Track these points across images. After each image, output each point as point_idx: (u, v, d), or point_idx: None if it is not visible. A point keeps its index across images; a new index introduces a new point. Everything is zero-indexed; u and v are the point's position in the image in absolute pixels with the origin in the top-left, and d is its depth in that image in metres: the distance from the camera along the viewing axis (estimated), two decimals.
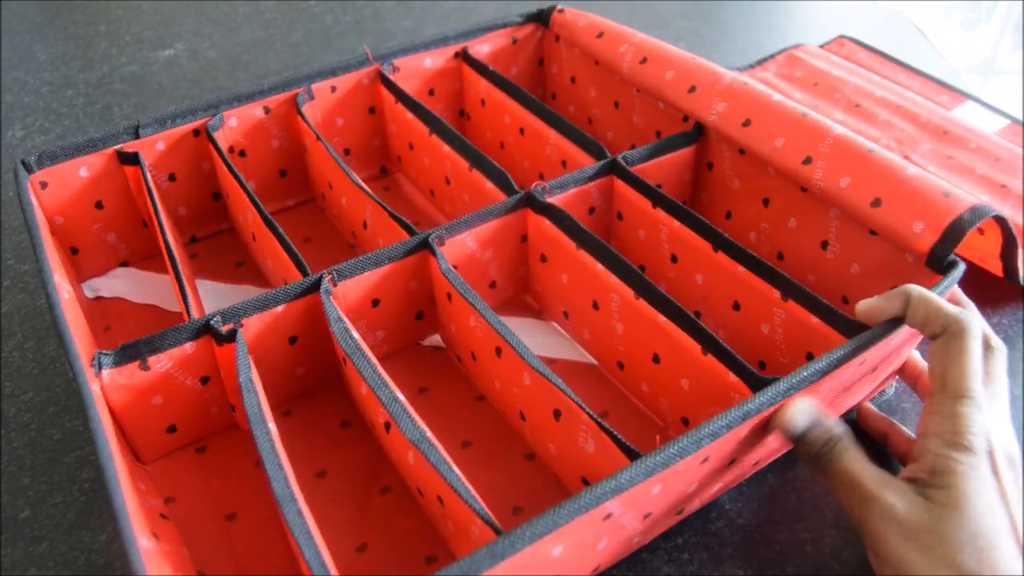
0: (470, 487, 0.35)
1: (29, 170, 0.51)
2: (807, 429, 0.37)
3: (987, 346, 0.39)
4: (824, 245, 0.49)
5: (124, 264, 0.58)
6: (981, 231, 0.49)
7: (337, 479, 0.45)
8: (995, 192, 0.59)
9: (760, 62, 0.77)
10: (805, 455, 0.37)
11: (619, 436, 0.36)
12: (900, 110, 0.68)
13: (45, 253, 0.44)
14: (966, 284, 0.43)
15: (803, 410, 0.36)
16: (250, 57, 0.87)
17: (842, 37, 0.82)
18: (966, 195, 0.43)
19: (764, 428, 0.37)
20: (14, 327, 0.54)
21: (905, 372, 0.46)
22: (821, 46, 0.81)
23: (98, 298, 0.55)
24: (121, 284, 0.56)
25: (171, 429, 0.44)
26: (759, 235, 0.53)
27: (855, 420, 0.47)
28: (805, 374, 0.35)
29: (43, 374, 0.51)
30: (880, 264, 0.46)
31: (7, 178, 0.68)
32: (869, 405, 0.47)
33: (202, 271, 0.57)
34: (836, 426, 0.37)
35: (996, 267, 0.51)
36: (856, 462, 0.36)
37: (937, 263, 0.42)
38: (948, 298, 0.41)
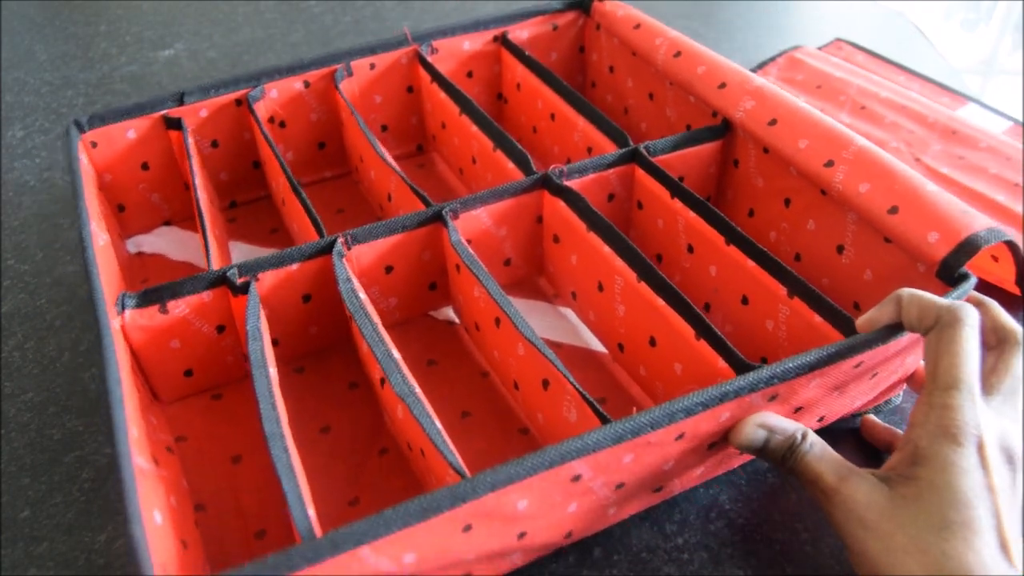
0: (448, 440, 0.36)
1: (81, 129, 0.54)
2: (767, 440, 0.37)
3: (1006, 340, 0.38)
4: (840, 249, 0.48)
5: (167, 223, 0.61)
6: (995, 258, 0.48)
7: (339, 436, 0.46)
8: (1010, 191, 0.58)
9: (761, 66, 0.76)
10: (772, 462, 0.38)
11: (597, 405, 0.37)
12: (906, 111, 0.67)
13: (84, 202, 0.47)
14: None
15: (756, 425, 0.37)
16: (250, 57, 0.88)
17: (839, 40, 0.81)
18: (985, 217, 0.43)
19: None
20: (14, 327, 0.54)
21: (915, 381, 0.45)
22: (818, 49, 0.80)
23: (139, 253, 0.59)
24: (162, 242, 0.60)
25: (188, 373, 0.47)
26: (779, 235, 0.53)
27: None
28: (791, 365, 0.36)
29: (43, 374, 0.51)
30: (892, 272, 0.45)
31: (7, 178, 0.69)
32: (872, 416, 0.46)
33: (237, 234, 0.60)
34: (797, 429, 0.37)
35: (1015, 290, 0.50)
36: (818, 459, 0.36)
37: (948, 274, 0.41)
38: (967, 299, 0.40)
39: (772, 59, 0.77)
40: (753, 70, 0.77)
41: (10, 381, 0.50)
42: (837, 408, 0.43)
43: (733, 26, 0.92)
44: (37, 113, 0.78)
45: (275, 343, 0.49)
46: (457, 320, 0.53)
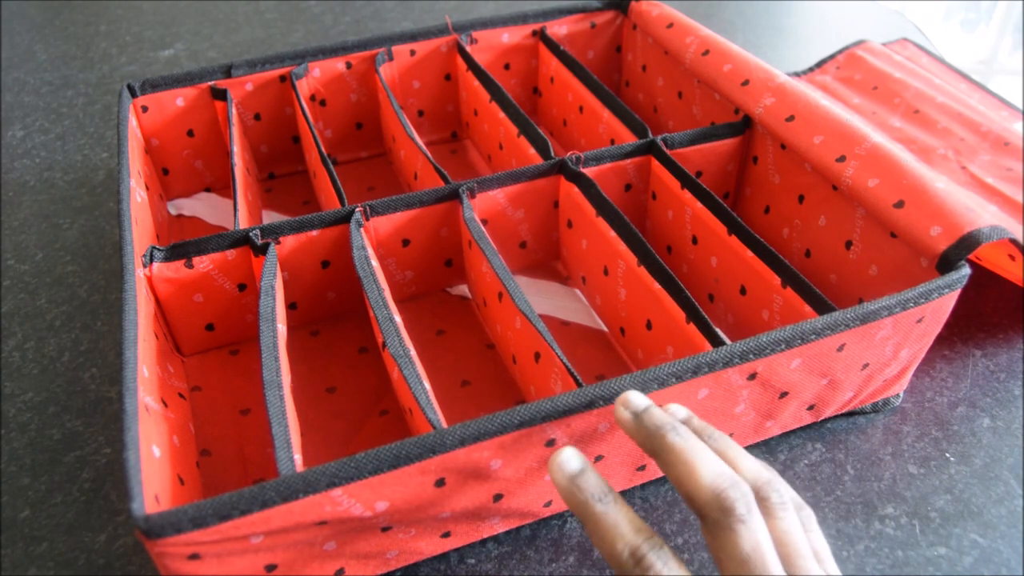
0: (434, 401, 0.38)
1: (133, 94, 0.58)
2: (580, 471, 0.32)
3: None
4: (848, 245, 0.48)
5: (207, 190, 0.64)
6: (1012, 257, 0.47)
7: (344, 396, 0.49)
8: None
9: (820, 64, 0.76)
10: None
11: (577, 376, 0.38)
12: (961, 118, 0.66)
13: (127, 158, 0.51)
14: (967, 283, 0.42)
15: (573, 455, 0.32)
16: (250, 57, 0.86)
17: (905, 39, 0.80)
18: (991, 217, 0.42)
19: (729, 396, 0.39)
20: (14, 327, 0.54)
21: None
22: (884, 45, 0.80)
23: (179, 216, 0.62)
24: (201, 206, 0.63)
25: (209, 327, 0.50)
26: (791, 231, 0.53)
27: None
28: (765, 340, 0.36)
29: (43, 374, 0.50)
30: (896, 267, 0.45)
31: (7, 178, 0.69)
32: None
33: (272, 204, 0.63)
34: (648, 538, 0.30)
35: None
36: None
37: (946, 267, 0.42)
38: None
39: (832, 56, 0.77)
40: (814, 67, 0.76)
41: (10, 381, 0.50)
42: (828, 399, 0.43)
43: (733, 26, 0.92)
44: (37, 113, 0.78)
45: (293, 306, 0.51)
46: (470, 296, 0.55)
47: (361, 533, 0.35)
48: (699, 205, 0.49)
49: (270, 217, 0.62)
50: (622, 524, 0.30)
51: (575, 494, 0.31)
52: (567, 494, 0.31)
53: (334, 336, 0.52)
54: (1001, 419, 0.47)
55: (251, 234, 0.47)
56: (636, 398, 0.33)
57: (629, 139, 0.56)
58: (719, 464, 0.30)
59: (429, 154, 0.54)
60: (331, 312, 0.53)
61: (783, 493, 0.31)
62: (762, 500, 0.31)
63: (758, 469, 0.32)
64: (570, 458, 0.32)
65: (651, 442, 0.32)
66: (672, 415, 0.33)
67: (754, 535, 0.29)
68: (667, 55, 0.63)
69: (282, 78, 0.61)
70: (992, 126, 0.65)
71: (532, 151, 0.55)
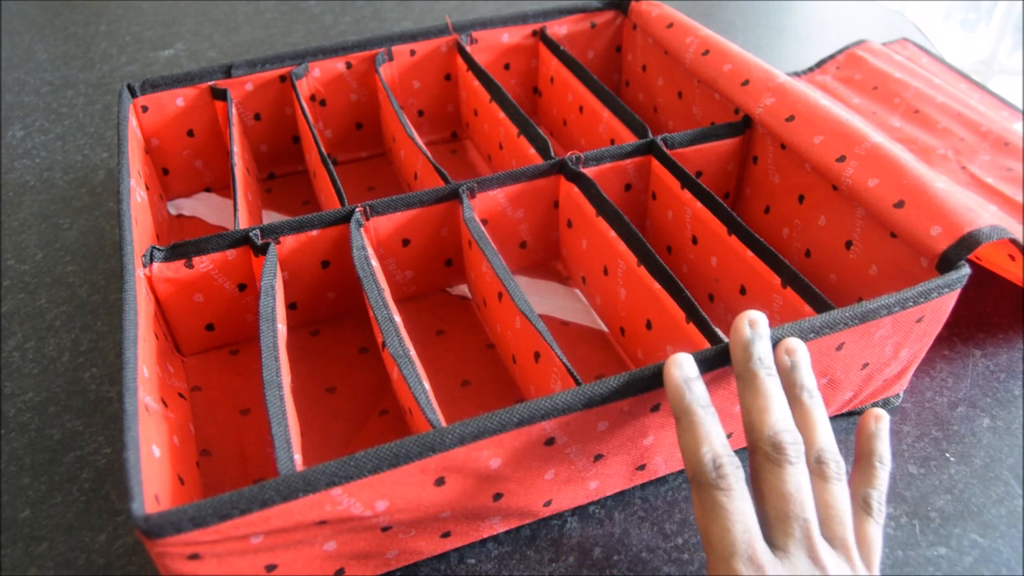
0: (433, 401, 0.38)
1: (133, 94, 0.58)
2: (695, 377, 0.34)
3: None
4: (848, 245, 0.49)
5: (207, 190, 0.64)
6: (1012, 257, 0.47)
7: (344, 396, 0.49)
8: None
9: (820, 64, 0.76)
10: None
11: (576, 375, 0.38)
12: (961, 118, 0.66)
13: (127, 158, 0.51)
14: (967, 283, 0.42)
15: (692, 363, 0.34)
16: (250, 57, 0.85)
17: (905, 39, 0.80)
18: (991, 217, 0.42)
19: (729, 396, 0.39)
20: (14, 327, 0.54)
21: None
22: (884, 45, 0.80)
23: (179, 216, 0.62)
24: (201, 206, 0.63)
25: (209, 327, 0.50)
26: (791, 231, 0.53)
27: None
28: None
29: (43, 374, 0.51)
30: (896, 267, 0.46)
31: (7, 178, 0.69)
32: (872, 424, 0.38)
33: (272, 204, 0.63)
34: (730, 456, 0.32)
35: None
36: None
37: (946, 267, 0.42)
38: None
39: (832, 56, 0.77)
40: (814, 67, 0.76)
41: (10, 381, 0.50)
42: (828, 398, 0.43)
43: (733, 26, 0.92)
44: (37, 113, 0.78)
45: (293, 306, 0.51)
46: (470, 296, 0.55)
47: (361, 533, 0.35)
48: (699, 205, 0.49)
49: (270, 217, 0.62)
50: (715, 434, 0.33)
51: (685, 394, 0.33)
52: (675, 391, 0.34)
53: (334, 336, 0.52)
54: (1001, 419, 0.47)
55: (251, 234, 0.47)
56: (759, 343, 0.35)
57: (629, 139, 0.56)
58: (789, 419, 0.33)
59: (429, 154, 0.54)
60: (331, 312, 0.53)
61: (841, 467, 0.34)
62: (821, 464, 0.33)
63: (830, 441, 0.34)
64: (689, 362, 0.34)
65: (742, 367, 0.35)
66: (792, 352, 0.35)
67: (799, 478, 0.32)
68: (667, 55, 0.63)
69: (282, 78, 0.61)
70: (992, 126, 0.65)
71: (532, 151, 0.55)
